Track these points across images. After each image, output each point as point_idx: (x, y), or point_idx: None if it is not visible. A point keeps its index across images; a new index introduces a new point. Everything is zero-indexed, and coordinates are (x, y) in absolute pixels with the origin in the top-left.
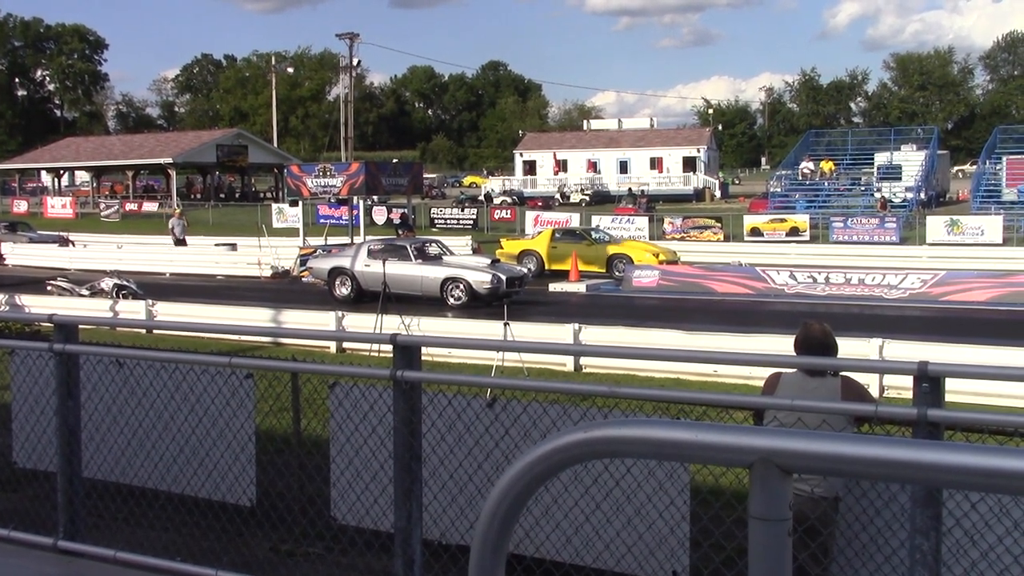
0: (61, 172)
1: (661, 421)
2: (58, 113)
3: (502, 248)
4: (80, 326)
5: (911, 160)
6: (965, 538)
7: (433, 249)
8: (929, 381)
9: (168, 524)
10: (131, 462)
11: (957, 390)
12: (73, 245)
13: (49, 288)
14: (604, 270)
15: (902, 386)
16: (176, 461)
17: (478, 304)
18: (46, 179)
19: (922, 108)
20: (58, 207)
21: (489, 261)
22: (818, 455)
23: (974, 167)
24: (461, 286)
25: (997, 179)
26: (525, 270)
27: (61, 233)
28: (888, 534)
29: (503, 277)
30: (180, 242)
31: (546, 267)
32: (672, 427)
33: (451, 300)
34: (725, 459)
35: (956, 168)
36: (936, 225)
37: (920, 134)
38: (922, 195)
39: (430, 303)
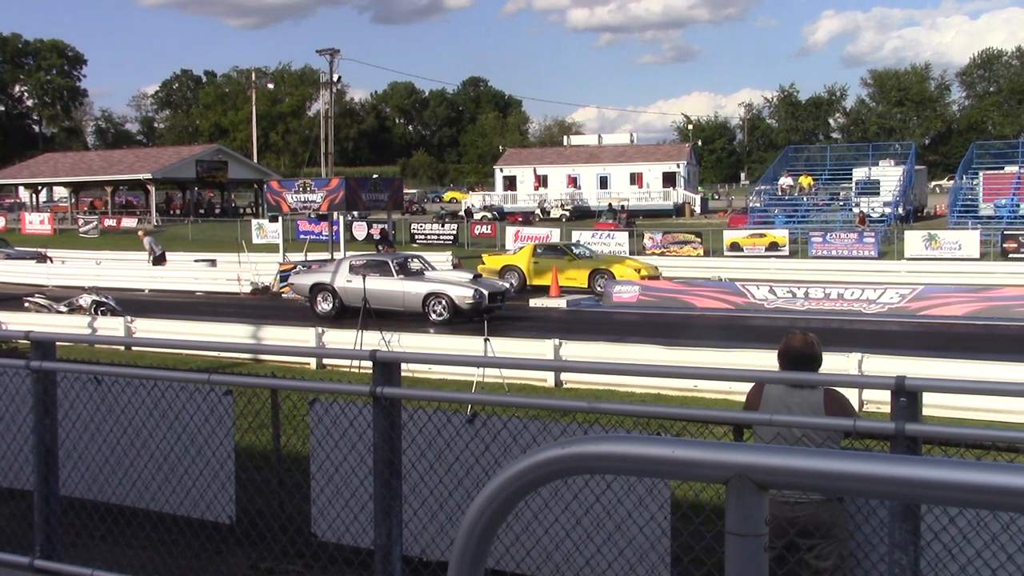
0: (39, 188)
1: (638, 437)
2: (37, 129)
3: (484, 263)
4: (58, 343)
5: (889, 175)
6: (944, 552)
7: (415, 264)
8: (906, 396)
9: (146, 542)
10: (109, 480)
11: (937, 404)
12: (51, 261)
13: (27, 305)
14: (586, 285)
15: (882, 400)
16: (155, 479)
17: (460, 319)
18: (24, 195)
19: (900, 124)
20: (36, 223)
21: (471, 276)
22: (794, 471)
23: (951, 182)
24: (443, 302)
25: (974, 194)
26: (507, 285)
27: (39, 249)
28: (868, 548)
29: (485, 292)
30: (160, 259)
31: (528, 282)
32: (649, 443)
33: (433, 316)
34: (701, 475)
35: (934, 183)
36: (914, 240)
37: (898, 149)
38: (900, 210)
39: (413, 319)
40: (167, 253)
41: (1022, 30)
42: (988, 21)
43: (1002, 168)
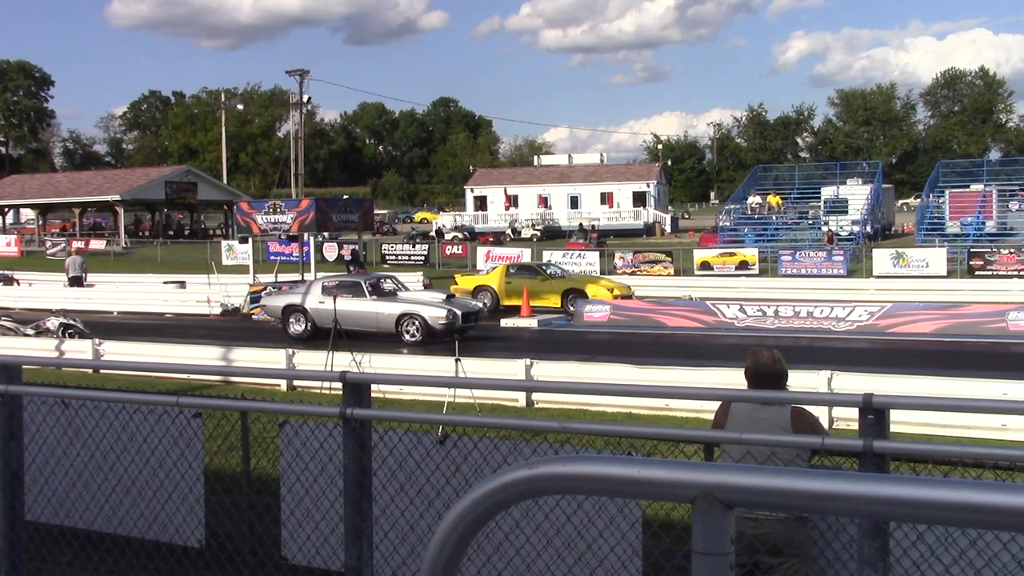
0: (6, 210)
1: (605, 457)
2: (3, 150)
3: (457, 284)
4: (24, 366)
5: (857, 194)
6: (913, 568)
7: (388, 285)
8: (874, 413)
9: (114, 568)
10: (76, 505)
11: (905, 420)
12: (18, 284)
13: None
14: (559, 305)
15: (851, 418)
16: (123, 503)
17: (434, 340)
18: None
19: (866, 143)
20: (3, 245)
21: (444, 296)
22: (760, 489)
23: (918, 200)
24: (417, 322)
25: (940, 212)
26: (480, 305)
27: (6, 272)
28: (838, 565)
29: (459, 312)
30: (76, 281)
31: (501, 303)
32: (615, 463)
33: (407, 336)
34: (668, 494)
35: (901, 201)
36: (882, 258)
37: (865, 168)
38: (868, 228)
39: (386, 340)
40: (86, 276)
41: (987, 50)
42: (954, 42)
43: (967, 186)
